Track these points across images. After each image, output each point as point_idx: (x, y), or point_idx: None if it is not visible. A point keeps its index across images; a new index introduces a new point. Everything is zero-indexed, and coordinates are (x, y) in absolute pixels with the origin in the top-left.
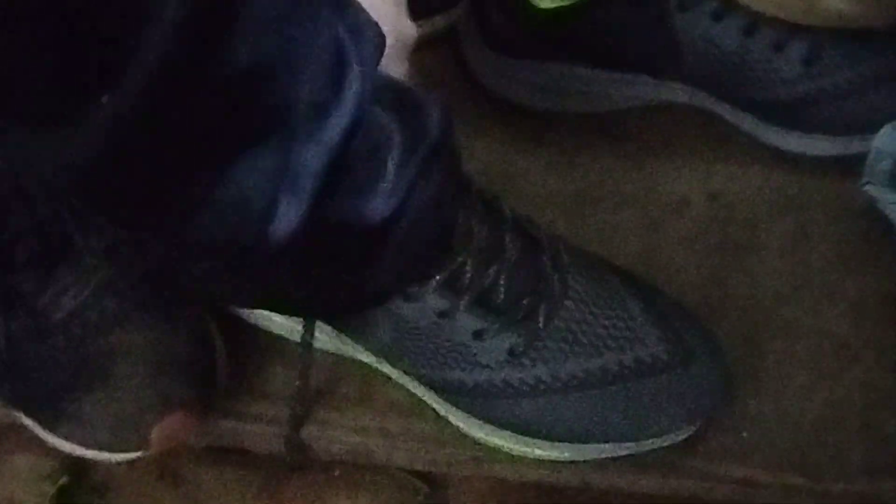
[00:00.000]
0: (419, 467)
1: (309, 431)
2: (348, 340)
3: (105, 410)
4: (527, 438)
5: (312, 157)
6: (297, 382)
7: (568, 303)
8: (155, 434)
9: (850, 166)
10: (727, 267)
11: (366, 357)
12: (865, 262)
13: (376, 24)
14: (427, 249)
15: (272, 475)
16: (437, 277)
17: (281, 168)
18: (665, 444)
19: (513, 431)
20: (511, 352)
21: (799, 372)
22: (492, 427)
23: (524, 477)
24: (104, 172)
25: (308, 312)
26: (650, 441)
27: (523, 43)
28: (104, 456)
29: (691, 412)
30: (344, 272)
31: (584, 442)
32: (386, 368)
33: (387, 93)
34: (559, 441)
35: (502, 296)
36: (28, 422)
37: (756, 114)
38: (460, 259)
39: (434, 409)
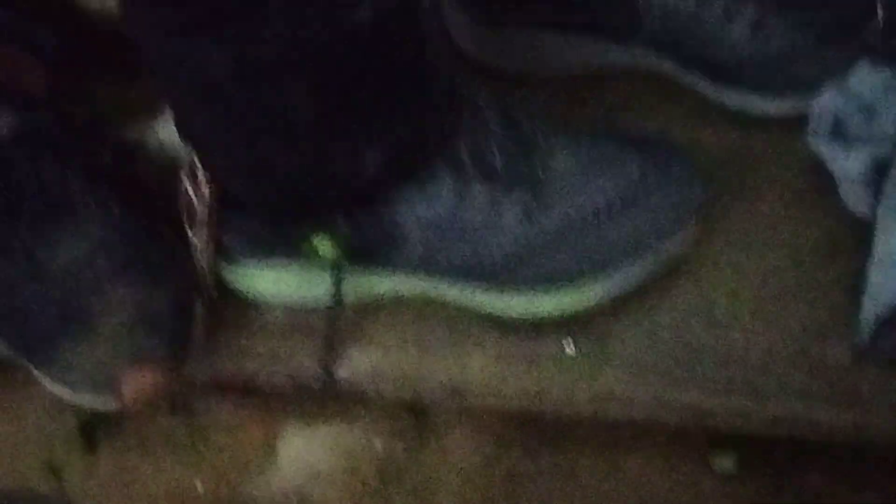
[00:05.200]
0: (405, 398)
1: (314, 369)
2: (378, 273)
3: (85, 358)
4: (560, 288)
5: None
6: (326, 328)
7: (557, 151)
8: (126, 385)
9: (794, 123)
10: None
11: (396, 280)
12: (807, 210)
13: None
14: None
15: (273, 407)
16: (441, 164)
17: None
18: (677, 244)
19: (547, 287)
20: (525, 210)
21: (746, 309)
22: (526, 297)
23: (497, 406)
24: None
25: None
26: (660, 244)
27: (499, 12)
28: (84, 400)
29: (685, 210)
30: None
31: (608, 269)
32: (416, 282)
33: None
34: (584, 284)
35: (500, 161)
36: (25, 363)
37: (708, 75)
38: (457, 142)
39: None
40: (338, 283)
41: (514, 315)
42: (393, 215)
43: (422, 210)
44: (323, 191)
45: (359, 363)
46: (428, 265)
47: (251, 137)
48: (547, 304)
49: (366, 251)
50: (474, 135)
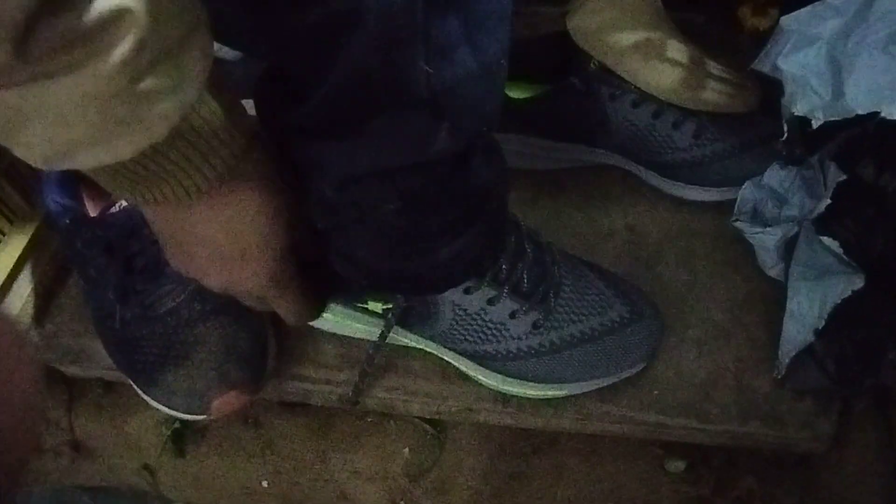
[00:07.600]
0: (428, 415)
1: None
2: (408, 333)
3: (182, 382)
4: (541, 385)
5: None
6: (364, 364)
7: (564, 287)
8: (215, 404)
9: (724, 208)
10: (641, 276)
11: (417, 343)
12: (734, 272)
13: None
14: (499, 225)
15: (324, 421)
16: (488, 276)
17: None
18: (629, 375)
19: (532, 382)
20: (535, 325)
21: (691, 348)
22: (517, 381)
23: (500, 422)
24: None
25: (413, 284)
26: (622, 374)
27: (505, 121)
28: (179, 415)
29: (648, 351)
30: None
31: (580, 381)
32: (432, 348)
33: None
34: (561, 384)
35: (527, 285)
36: (133, 384)
37: (660, 172)
38: (500, 261)
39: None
40: (388, 331)
41: (506, 391)
42: (436, 297)
43: (458, 300)
44: (399, 283)
45: (393, 386)
46: (447, 339)
47: (353, 241)
48: (532, 392)
49: (408, 316)
50: (513, 256)
